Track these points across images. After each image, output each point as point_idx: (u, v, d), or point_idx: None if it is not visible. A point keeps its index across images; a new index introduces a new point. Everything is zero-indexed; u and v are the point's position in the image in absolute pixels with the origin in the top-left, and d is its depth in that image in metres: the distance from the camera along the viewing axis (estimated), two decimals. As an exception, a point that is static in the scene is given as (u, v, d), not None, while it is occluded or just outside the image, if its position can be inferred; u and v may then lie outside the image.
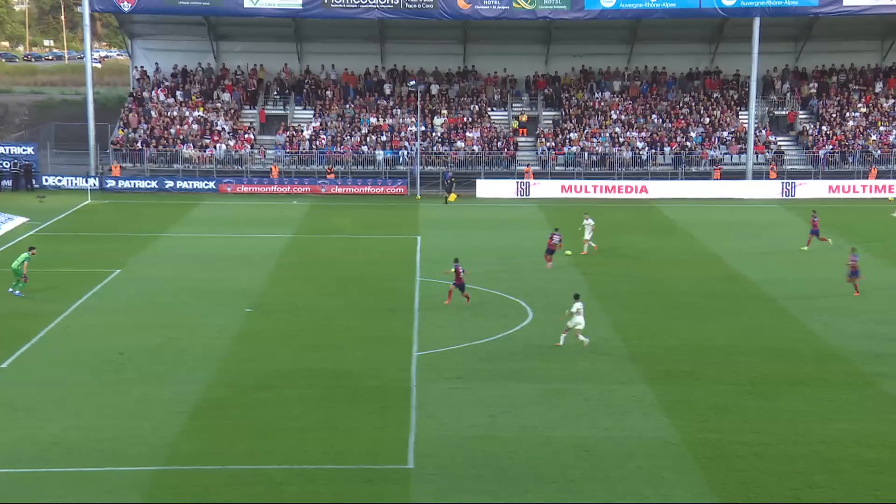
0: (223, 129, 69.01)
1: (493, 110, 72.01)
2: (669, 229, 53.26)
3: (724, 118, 70.64)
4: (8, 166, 63.55)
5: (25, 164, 63.70)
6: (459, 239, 49.21)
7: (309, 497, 21.19)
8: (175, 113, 70.11)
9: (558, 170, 67.26)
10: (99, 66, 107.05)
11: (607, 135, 68.81)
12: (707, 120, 70.53)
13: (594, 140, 68.56)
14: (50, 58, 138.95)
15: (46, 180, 64.16)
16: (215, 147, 67.36)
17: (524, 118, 71.12)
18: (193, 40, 73.74)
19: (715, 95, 72.95)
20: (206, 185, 64.03)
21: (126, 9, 65.45)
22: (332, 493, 21.37)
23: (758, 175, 65.96)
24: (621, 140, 68.37)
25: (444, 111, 70.64)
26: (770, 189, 64.16)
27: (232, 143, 68.03)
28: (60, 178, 64.52)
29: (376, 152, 67.27)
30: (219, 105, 71.24)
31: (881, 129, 69.80)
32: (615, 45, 74.29)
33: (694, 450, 23.66)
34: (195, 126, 68.98)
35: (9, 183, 63.20)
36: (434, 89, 72.64)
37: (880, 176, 65.69)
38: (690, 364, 30.13)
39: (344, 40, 72.61)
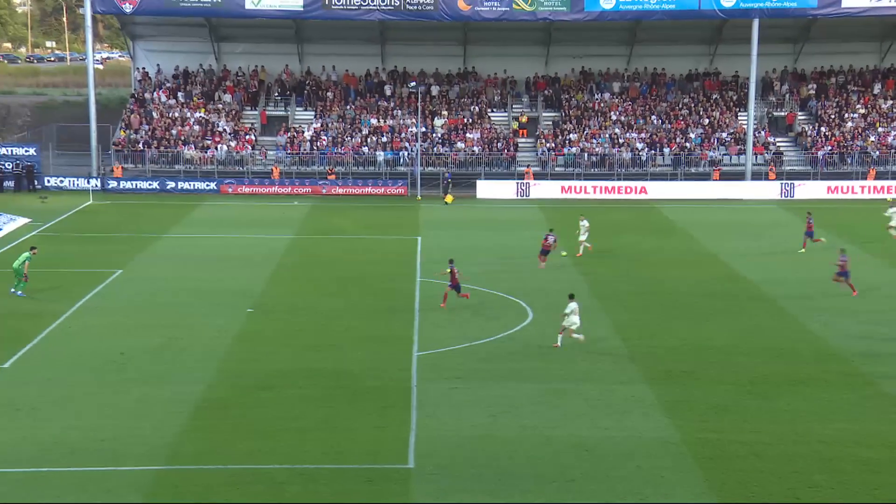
0: (224, 130, 69.10)
1: (493, 111, 72.09)
2: (669, 230, 53.34)
3: (724, 119, 70.72)
4: (10, 167, 63.64)
5: (27, 165, 63.79)
6: (460, 239, 49.30)
7: (310, 496, 21.26)
8: (176, 114, 70.21)
9: (558, 170, 67.35)
10: (101, 67, 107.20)
11: (607, 136, 68.89)
12: (706, 121, 70.62)
13: (594, 141, 68.64)
14: (52, 59, 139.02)
15: (48, 181, 64.27)
16: (216, 148, 67.44)
17: (524, 119, 71.20)
18: (195, 42, 73.82)
19: (714, 96, 73.03)
20: (207, 185, 64.14)
21: (128, 10, 65.54)
22: (332, 493, 21.44)
23: (757, 176, 66.04)
24: (621, 141, 68.44)
25: (445, 112, 70.73)
26: (769, 190, 64.24)
27: (233, 144, 68.12)
28: (62, 178, 64.63)
29: (377, 153, 67.36)
30: (220, 106, 71.33)
31: (879, 130, 69.87)
32: (615, 46, 74.36)
33: (694, 450, 23.72)
34: (196, 127, 69.07)
35: (11, 184, 63.31)
36: (434, 90, 72.72)
37: (879, 177, 65.81)
38: (690, 364, 30.19)
39: (345, 41, 72.72)
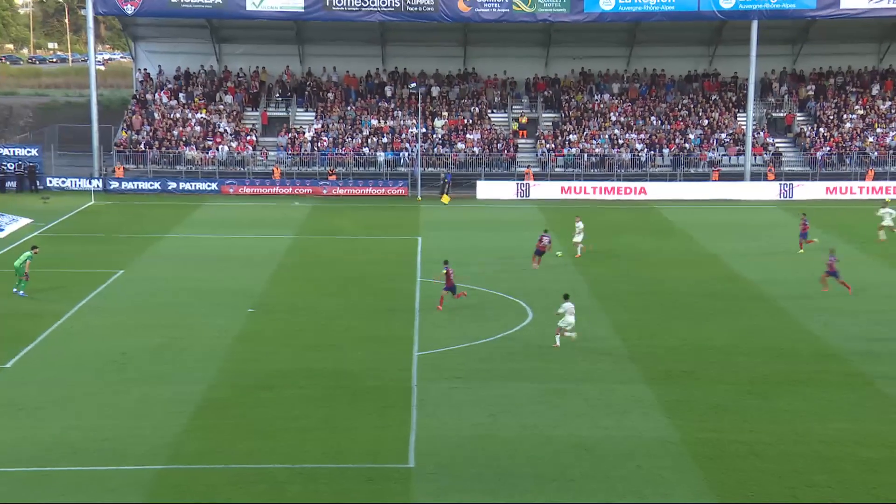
0: (225, 130, 69.19)
1: (493, 112, 72.16)
2: (668, 230, 53.41)
3: (723, 120, 70.80)
4: (12, 168, 63.72)
5: (30, 166, 63.87)
6: (460, 240, 49.37)
7: (310, 496, 21.32)
8: (178, 115, 70.30)
9: (558, 171, 67.44)
10: (102, 68, 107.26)
11: (606, 136, 68.97)
12: (706, 122, 70.69)
13: (593, 142, 68.73)
14: (54, 60, 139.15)
15: (50, 182, 64.36)
16: (218, 149, 67.54)
17: (524, 120, 71.29)
18: (196, 43, 73.88)
19: (713, 97, 73.11)
20: (208, 186, 64.23)
21: (129, 12, 65.61)
22: (333, 492, 21.50)
23: (756, 176, 66.11)
24: (620, 142, 68.52)
25: (445, 113, 70.81)
26: (768, 190, 64.32)
27: (234, 144, 68.20)
28: (64, 179, 64.73)
29: (377, 154, 67.44)
30: (221, 107, 71.41)
31: (878, 130, 69.94)
32: (614, 47, 74.44)
33: (693, 449, 23.78)
34: (198, 128, 69.16)
35: (13, 184, 63.40)
36: (435, 91, 72.80)
37: (877, 177, 65.89)
38: (690, 364, 30.25)
39: (345, 43, 72.77)
